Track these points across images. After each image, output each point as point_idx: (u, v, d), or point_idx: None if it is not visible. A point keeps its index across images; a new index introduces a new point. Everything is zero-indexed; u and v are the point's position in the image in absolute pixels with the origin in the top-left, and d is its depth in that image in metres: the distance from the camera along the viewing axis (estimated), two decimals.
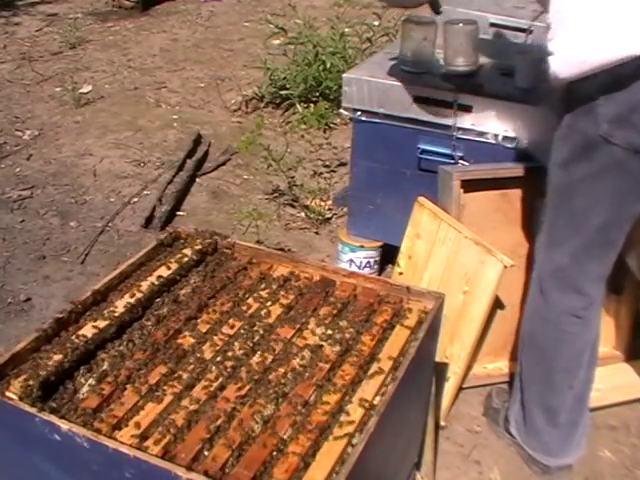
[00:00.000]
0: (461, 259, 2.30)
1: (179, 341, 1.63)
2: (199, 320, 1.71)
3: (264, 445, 1.37)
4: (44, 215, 3.49)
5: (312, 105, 4.48)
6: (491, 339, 2.46)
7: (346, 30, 4.86)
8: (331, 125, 4.41)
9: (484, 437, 2.33)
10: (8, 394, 1.41)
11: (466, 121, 2.53)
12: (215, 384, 1.51)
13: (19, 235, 3.33)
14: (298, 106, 4.50)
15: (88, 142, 4.21)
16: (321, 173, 3.87)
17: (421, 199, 2.48)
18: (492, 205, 2.44)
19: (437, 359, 1.97)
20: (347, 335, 1.67)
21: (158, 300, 1.77)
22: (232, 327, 1.69)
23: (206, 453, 1.35)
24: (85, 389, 1.48)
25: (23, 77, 5.11)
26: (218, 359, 1.59)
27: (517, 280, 2.41)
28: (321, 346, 1.64)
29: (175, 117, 4.59)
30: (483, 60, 2.74)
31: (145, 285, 1.78)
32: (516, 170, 2.42)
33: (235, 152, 4.10)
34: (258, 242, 3.10)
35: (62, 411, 1.41)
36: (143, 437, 1.37)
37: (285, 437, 1.39)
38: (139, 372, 1.53)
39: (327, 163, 3.98)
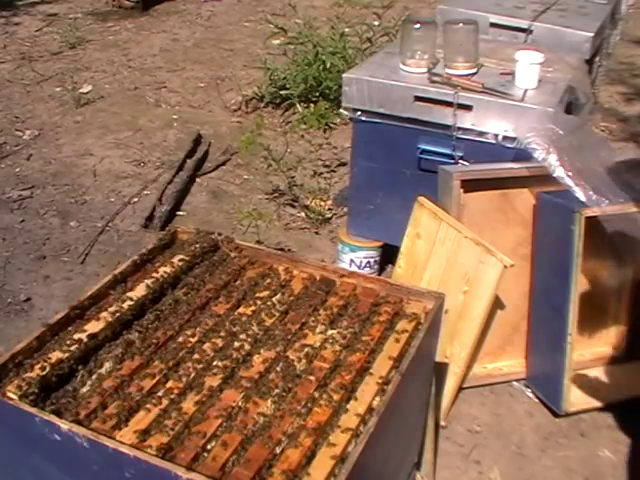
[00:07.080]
0: (461, 259, 2.30)
1: (179, 341, 1.63)
2: (199, 320, 1.71)
3: (264, 445, 1.37)
4: (44, 215, 3.50)
5: (312, 105, 4.48)
6: (491, 339, 2.46)
7: (346, 30, 4.86)
8: (331, 125, 4.41)
9: (484, 437, 2.33)
10: (8, 394, 1.41)
11: (466, 121, 2.53)
12: (215, 384, 1.51)
13: (19, 235, 3.33)
14: (298, 106, 4.50)
15: (88, 142, 4.21)
16: (321, 173, 3.87)
17: (421, 199, 2.48)
18: (492, 205, 2.44)
19: (437, 359, 1.97)
20: (347, 335, 1.67)
21: (158, 300, 1.77)
22: (232, 327, 1.69)
23: (206, 453, 1.35)
24: (85, 389, 1.48)
25: (23, 77, 5.12)
26: (218, 359, 1.58)
27: (517, 280, 2.42)
28: (321, 346, 1.64)
29: (175, 117, 4.59)
30: (483, 60, 2.74)
31: (145, 285, 1.77)
32: (516, 170, 2.42)
33: (235, 152, 4.10)
34: (258, 242, 3.10)
35: (62, 411, 1.41)
36: (143, 437, 1.37)
37: (285, 437, 1.39)
38: (139, 372, 1.53)
39: (327, 163, 3.99)
